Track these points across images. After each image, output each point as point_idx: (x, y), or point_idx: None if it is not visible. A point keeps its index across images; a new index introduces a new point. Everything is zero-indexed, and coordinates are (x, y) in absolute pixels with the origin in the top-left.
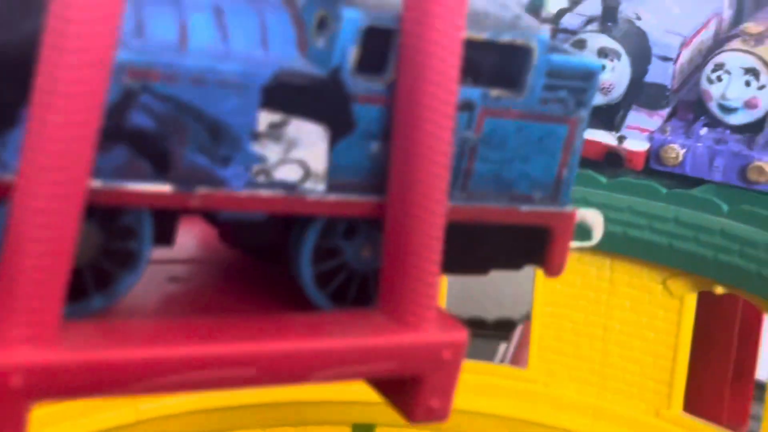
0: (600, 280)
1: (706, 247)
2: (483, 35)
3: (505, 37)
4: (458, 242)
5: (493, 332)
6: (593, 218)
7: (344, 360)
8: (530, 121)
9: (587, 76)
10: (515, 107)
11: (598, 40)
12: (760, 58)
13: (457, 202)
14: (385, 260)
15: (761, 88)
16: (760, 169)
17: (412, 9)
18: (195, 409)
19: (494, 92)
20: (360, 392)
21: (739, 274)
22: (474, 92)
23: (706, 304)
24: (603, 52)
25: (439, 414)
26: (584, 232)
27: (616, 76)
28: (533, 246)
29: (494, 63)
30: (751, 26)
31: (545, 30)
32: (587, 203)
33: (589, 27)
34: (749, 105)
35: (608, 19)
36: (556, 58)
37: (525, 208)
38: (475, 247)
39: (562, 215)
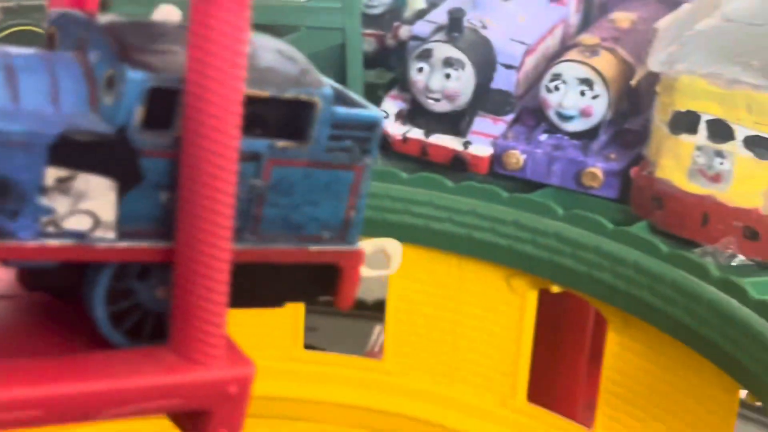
0: (449, 278)
1: (542, 249)
2: (267, 92)
3: (290, 93)
4: (252, 280)
5: (372, 313)
6: (392, 248)
7: (130, 398)
8: (317, 169)
9: (370, 126)
10: (302, 156)
11: (442, 49)
12: (594, 69)
13: (248, 244)
14: (174, 301)
15: (595, 97)
16: (593, 175)
17: (194, 71)
18: None
19: (281, 143)
20: None
21: (572, 275)
22: (260, 144)
23: (558, 300)
24: (448, 62)
25: None
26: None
27: (461, 84)
28: (324, 280)
29: (280, 116)
30: (587, 38)
31: (328, 85)
32: (434, 206)
33: (436, 36)
34: (584, 113)
35: (454, 29)
36: (341, 110)
37: (314, 247)
38: (269, 284)
39: (351, 253)
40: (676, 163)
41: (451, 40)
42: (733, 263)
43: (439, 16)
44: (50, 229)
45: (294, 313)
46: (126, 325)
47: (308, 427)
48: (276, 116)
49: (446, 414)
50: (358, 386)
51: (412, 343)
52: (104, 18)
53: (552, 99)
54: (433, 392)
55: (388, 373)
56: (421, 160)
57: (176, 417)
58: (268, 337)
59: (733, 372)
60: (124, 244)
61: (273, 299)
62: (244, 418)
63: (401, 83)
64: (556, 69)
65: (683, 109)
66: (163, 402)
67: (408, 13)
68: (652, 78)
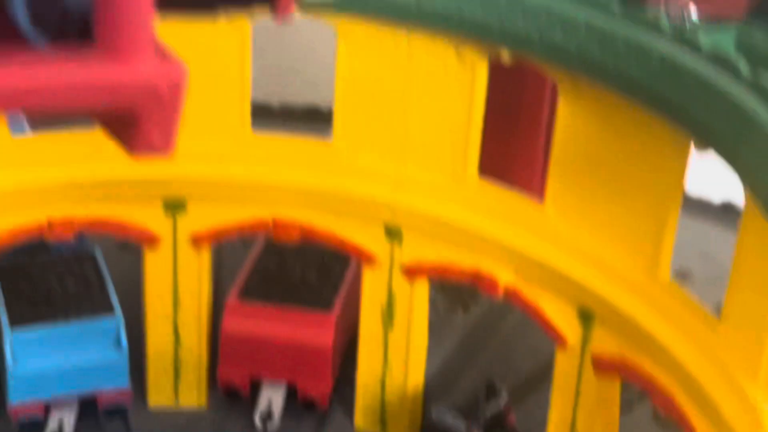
0: (398, 54)
1: (491, 15)
2: None
3: None
4: None
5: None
6: None
7: (55, 94)
8: None
9: None
10: None
11: None
12: None
13: None
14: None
15: None
16: None
17: None
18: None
19: None
20: (172, 169)
21: (522, 40)
22: None
23: (514, 77)
24: None
25: (160, 148)
26: None
27: None
28: None
29: None
30: None
31: None
32: None
33: None
34: None
35: None
36: None
37: None
38: None
39: None
40: None
41: None
42: (686, 18)
43: None
44: None
45: (240, 93)
46: (49, 26)
47: (254, 210)
48: None
49: (397, 192)
50: (308, 167)
51: (361, 123)
52: None
53: None
54: (383, 171)
55: (337, 154)
56: None
57: (110, 126)
58: (215, 120)
59: (685, 123)
60: None
61: (205, 4)
62: (178, 124)
63: None
64: None
65: None
66: (90, 99)
67: None
68: None
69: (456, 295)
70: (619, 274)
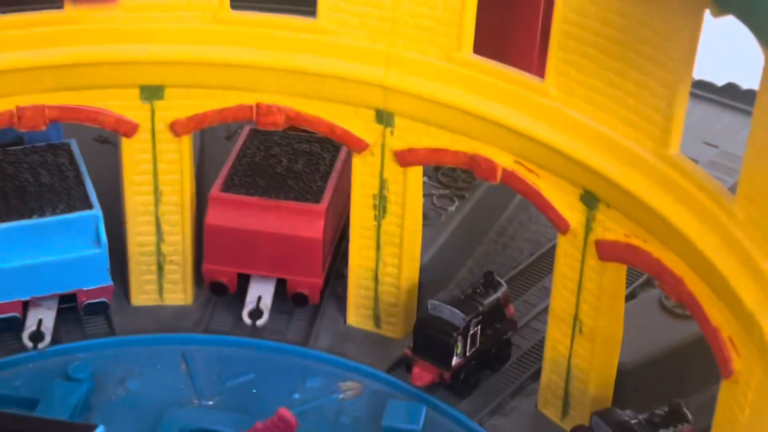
0: None
1: None
2: None
3: None
4: None
5: None
6: None
7: None
8: None
9: None
10: None
11: None
12: None
13: None
14: None
15: None
16: None
17: None
18: None
19: None
20: (147, 52)
21: None
22: None
23: None
24: None
25: None
26: None
27: None
28: None
29: None
30: None
31: None
32: None
33: None
34: None
35: None
36: None
37: None
38: None
39: None
40: None
41: None
42: None
43: None
44: None
45: None
46: None
47: (237, 96)
48: None
49: (387, 73)
50: (292, 48)
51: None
52: None
53: None
54: (372, 51)
55: (323, 32)
56: None
57: None
58: None
59: None
60: None
61: None
62: None
63: None
64: None
65: None
66: None
67: None
68: None
69: (451, 185)
70: (625, 153)
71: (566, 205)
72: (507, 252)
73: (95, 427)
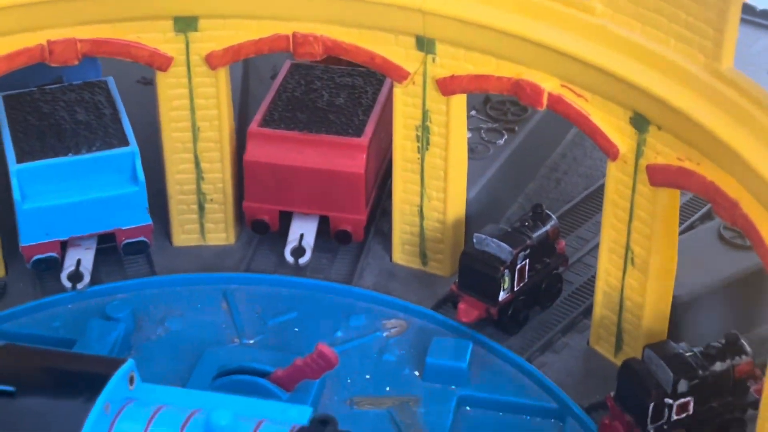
0: None
1: None
2: None
3: None
4: None
5: None
6: None
7: None
8: None
9: None
10: None
11: None
12: None
13: None
14: None
15: None
16: None
17: None
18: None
19: None
20: None
21: None
22: None
23: None
24: None
25: None
26: None
27: None
28: None
29: None
30: None
31: None
32: None
33: None
34: None
35: None
36: None
37: None
38: None
39: None
40: None
41: None
42: None
43: None
44: None
45: None
46: None
47: (272, 26)
48: None
49: None
50: None
51: None
52: None
53: None
54: None
55: None
56: None
57: None
58: None
59: None
60: None
61: None
62: None
63: None
64: None
65: None
66: None
67: None
68: None
69: (500, 119)
70: (676, 70)
71: (615, 129)
72: (560, 188)
73: (124, 360)
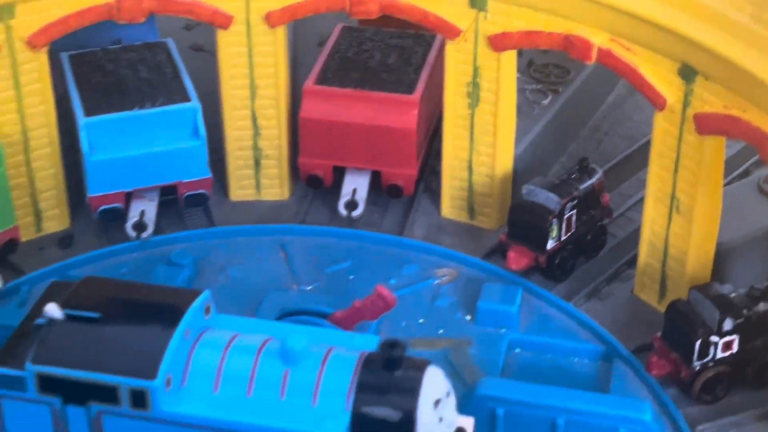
0: None
1: None
2: None
3: None
4: None
5: None
6: None
7: None
8: None
9: None
10: None
11: None
12: None
13: None
14: None
15: None
16: None
17: None
18: None
19: None
20: None
21: None
22: None
23: None
24: None
25: None
26: None
27: None
28: None
29: None
30: None
31: None
32: None
33: None
34: None
35: None
36: None
37: None
38: None
39: None
40: None
41: None
42: None
43: None
44: None
45: None
46: None
47: None
48: None
49: None
50: None
51: None
52: None
53: None
54: None
55: None
56: None
57: None
58: None
59: None
60: None
61: None
62: None
63: None
64: None
65: None
66: None
67: None
68: None
69: (544, 81)
70: (722, 20)
71: (663, 80)
72: (601, 148)
73: (201, 291)
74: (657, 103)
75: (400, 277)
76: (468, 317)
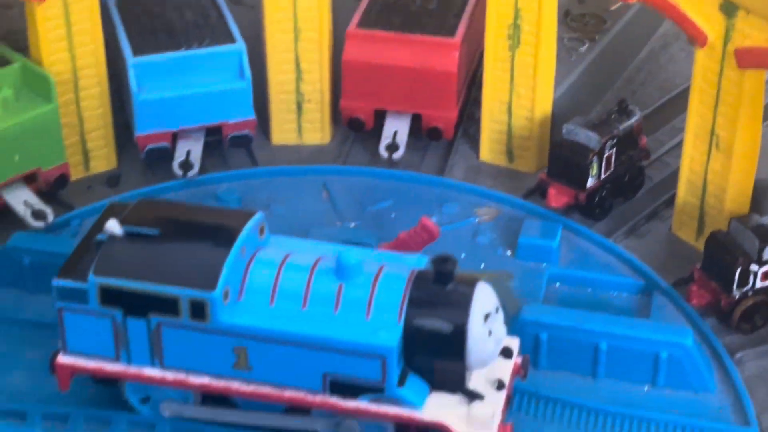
0: None
1: None
2: None
3: None
4: None
5: None
6: None
7: None
8: None
9: None
10: None
11: None
12: None
13: None
14: None
15: None
16: None
17: None
18: None
19: None
20: None
21: None
22: None
23: None
24: None
25: None
26: None
27: None
28: None
29: None
30: None
31: None
32: None
33: None
34: None
35: None
36: None
37: None
38: None
39: None
40: None
41: None
42: None
43: None
44: None
45: None
46: None
47: None
48: None
49: None
50: None
51: None
52: None
53: None
54: None
55: None
56: None
57: None
58: None
59: None
60: None
61: None
62: None
63: None
64: None
65: None
66: None
67: None
68: None
69: (580, 30)
70: None
71: (704, 16)
72: (636, 97)
73: (255, 212)
74: (698, 39)
75: (441, 215)
76: (509, 253)
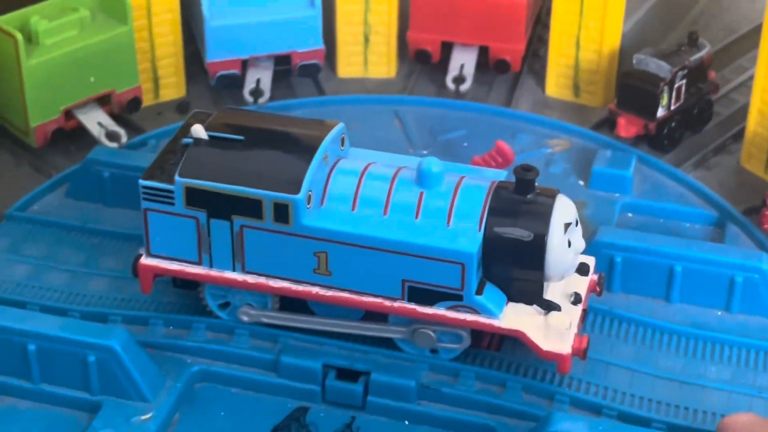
0: None
1: None
2: None
3: None
4: None
5: None
6: None
7: None
8: None
9: None
10: None
11: None
12: None
13: None
14: None
15: None
16: None
17: None
18: None
19: None
20: None
21: None
22: None
23: None
24: None
25: None
26: None
27: None
28: None
29: None
30: None
31: None
32: None
33: None
34: None
35: None
36: None
37: None
38: None
39: None
40: None
41: None
42: None
43: None
44: None
45: None
46: None
47: None
48: None
49: None
50: None
51: None
52: None
53: None
54: None
55: None
56: None
57: None
58: None
59: None
60: None
61: None
62: None
63: None
64: None
65: None
66: None
67: None
68: None
69: None
70: None
71: None
72: (711, 26)
73: (337, 123)
74: None
75: (513, 146)
76: (581, 182)
